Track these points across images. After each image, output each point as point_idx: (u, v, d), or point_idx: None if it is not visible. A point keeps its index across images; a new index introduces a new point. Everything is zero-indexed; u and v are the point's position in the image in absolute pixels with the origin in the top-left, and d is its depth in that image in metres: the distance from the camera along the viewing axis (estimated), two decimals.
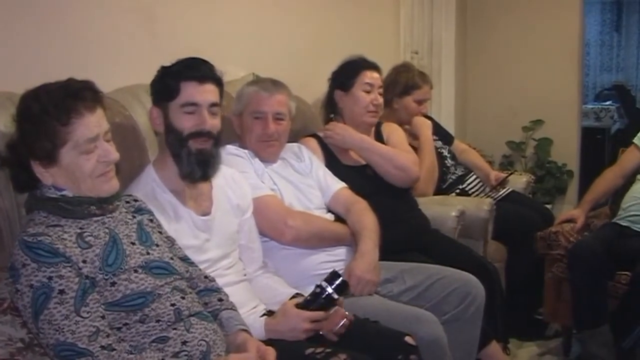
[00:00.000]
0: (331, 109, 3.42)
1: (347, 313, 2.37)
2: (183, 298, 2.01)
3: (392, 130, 3.56)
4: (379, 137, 3.46)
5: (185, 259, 2.21)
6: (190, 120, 2.30)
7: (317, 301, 2.30)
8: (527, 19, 6.11)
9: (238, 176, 2.63)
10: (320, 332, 2.31)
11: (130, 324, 1.89)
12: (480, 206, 3.77)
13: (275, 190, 2.79)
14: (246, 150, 2.83)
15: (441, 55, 5.78)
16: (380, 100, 3.35)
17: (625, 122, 8.54)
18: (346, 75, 3.36)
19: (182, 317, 1.96)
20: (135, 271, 1.94)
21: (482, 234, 3.74)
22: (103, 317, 1.82)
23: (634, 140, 3.81)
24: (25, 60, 2.46)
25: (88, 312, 1.79)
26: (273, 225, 2.70)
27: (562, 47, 6.03)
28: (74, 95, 1.89)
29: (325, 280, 2.32)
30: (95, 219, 1.97)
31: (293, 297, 2.43)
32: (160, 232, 2.17)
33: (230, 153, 2.78)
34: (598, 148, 7.36)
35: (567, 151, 6.11)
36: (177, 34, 3.18)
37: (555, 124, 6.09)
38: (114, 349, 1.78)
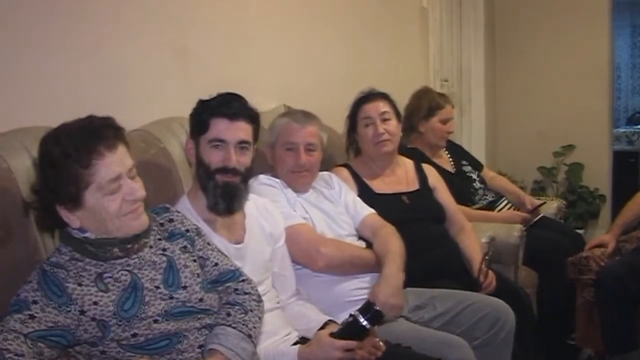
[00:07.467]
0: (355, 151, 3.46)
1: (380, 343, 2.37)
2: None
3: (434, 174, 3.56)
4: (421, 176, 3.47)
5: (218, 280, 2.15)
6: (217, 155, 2.36)
7: (350, 331, 2.30)
8: (555, 44, 6.12)
9: (270, 206, 2.67)
10: None
11: None
12: (510, 232, 3.78)
13: (307, 219, 2.82)
14: (278, 180, 2.87)
15: (471, 83, 5.82)
16: (387, 127, 3.28)
17: None
18: (351, 116, 3.40)
19: None
20: (155, 321, 1.89)
21: (512, 259, 3.74)
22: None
23: None
24: (58, 95, 2.47)
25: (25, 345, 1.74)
26: (306, 253, 2.73)
27: (592, 72, 6.02)
28: (94, 135, 1.83)
29: (359, 310, 2.31)
30: (118, 261, 1.93)
31: (325, 324, 2.45)
32: (194, 261, 2.10)
33: (263, 183, 2.83)
34: (630, 172, 7.22)
35: (599, 176, 6.09)
36: (209, 67, 3.22)
37: (587, 149, 6.07)
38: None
